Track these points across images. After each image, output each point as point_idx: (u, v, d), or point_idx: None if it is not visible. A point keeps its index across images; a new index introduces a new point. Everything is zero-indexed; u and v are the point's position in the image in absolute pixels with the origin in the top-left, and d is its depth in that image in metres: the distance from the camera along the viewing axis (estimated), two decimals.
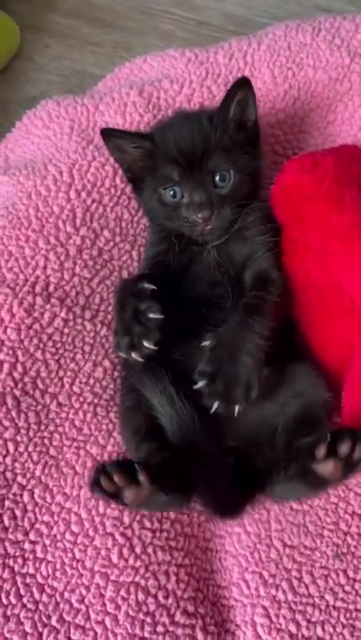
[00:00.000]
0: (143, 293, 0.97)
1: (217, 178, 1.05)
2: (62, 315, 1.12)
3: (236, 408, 0.93)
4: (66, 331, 1.13)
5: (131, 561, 1.01)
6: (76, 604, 0.99)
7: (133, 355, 0.95)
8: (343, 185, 1.08)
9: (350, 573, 1.07)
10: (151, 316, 0.94)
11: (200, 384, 0.94)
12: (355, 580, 1.07)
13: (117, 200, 1.22)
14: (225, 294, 1.06)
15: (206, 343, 0.97)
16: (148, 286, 0.97)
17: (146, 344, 0.94)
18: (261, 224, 1.10)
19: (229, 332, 0.97)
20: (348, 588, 1.07)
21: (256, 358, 0.95)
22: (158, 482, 0.93)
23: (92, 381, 1.13)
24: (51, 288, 1.12)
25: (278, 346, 1.01)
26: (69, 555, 1.01)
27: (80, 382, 1.13)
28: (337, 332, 1.08)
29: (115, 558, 1.01)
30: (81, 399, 1.12)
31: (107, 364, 1.16)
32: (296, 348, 1.12)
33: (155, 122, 1.24)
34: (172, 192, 1.06)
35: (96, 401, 1.12)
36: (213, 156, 1.05)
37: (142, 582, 1.00)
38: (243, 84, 1.08)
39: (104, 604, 0.98)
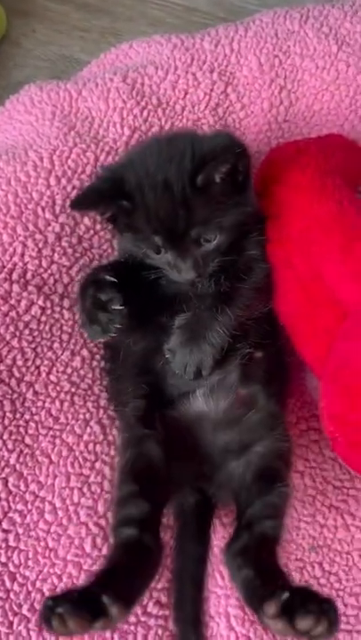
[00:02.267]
0: (104, 284, 0.97)
1: (202, 240, 0.99)
2: (40, 302, 1.11)
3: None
4: (43, 319, 1.12)
5: (104, 550, 1.01)
6: (47, 594, 0.98)
7: (106, 337, 0.98)
8: (326, 174, 1.07)
9: (326, 566, 1.08)
10: (114, 307, 0.95)
11: (167, 356, 1.00)
12: (330, 573, 1.07)
13: None
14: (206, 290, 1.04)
15: (176, 323, 1.00)
16: (109, 278, 0.97)
17: (116, 326, 0.96)
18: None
19: (195, 318, 1.00)
20: (323, 581, 1.07)
21: (213, 345, 0.99)
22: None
23: (69, 370, 1.12)
24: (28, 275, 1.11)
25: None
26: (42, 544, 1.01)
27: (57, 371, 1.11)
28: (319, 325, 1.06)
29: (88, 548, 1.00)
30: (58, 388, 1.10)
31: (85, 353, 1.15)
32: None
33: (126, 153, 1.19)
34: (155, 251, 1.01)
35: (73, 390, 1.11)
36: (196, 227, 0.97)
37: None
38: (233, 153, 0.96)
39: None
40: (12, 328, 1.09)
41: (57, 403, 1.10)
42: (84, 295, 0.99)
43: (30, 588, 0.99)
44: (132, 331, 1.04)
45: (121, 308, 0.96)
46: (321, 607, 0.79)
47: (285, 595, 0.80)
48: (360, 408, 0.88)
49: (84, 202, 1.03)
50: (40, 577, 0.99)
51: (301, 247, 1.05)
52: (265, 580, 0.86)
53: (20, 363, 1.09)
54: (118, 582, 0.84)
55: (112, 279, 0.97)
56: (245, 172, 1.01)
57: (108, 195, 0.99)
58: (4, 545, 1.00)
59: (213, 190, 0.97)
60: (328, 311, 1.04)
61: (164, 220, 0.97)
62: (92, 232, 1.20)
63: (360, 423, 0.89)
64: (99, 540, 1.01)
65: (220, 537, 1.07)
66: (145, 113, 1.26)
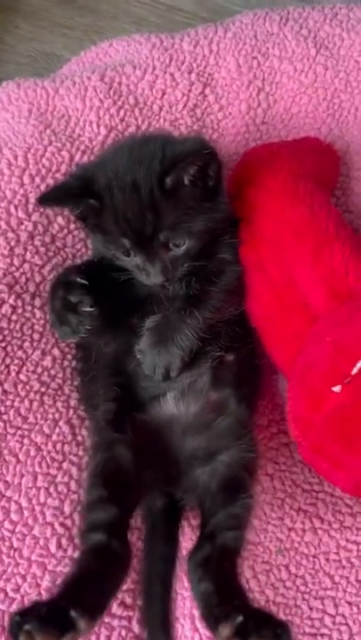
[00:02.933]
0: (74, 286, 0.98)
1: (171, 245, 0.99)
2: (10, 301, 1.11)
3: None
4: (14, 318, 1.11)
5: (69, 551, 1.01)
6: (11, 594, 0.98)
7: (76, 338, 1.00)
8: (299, 178, 1.07)
9: (292, 569, 1.08)
10: (84, 309, 0.96)
11: (138, 357, 1.02)
12: (296, 576, 1.08)
13: None
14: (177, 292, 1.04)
15: (146, 324, 1.01)
16: (80, 280, 0.98)
17: (86, 328, 0.97)
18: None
19: (164, 320, 1.00)
20: (288, 584, 1.07)
21: (181, 347, 1.00)
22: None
23: (39, 370, 1.12)
24: None
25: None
26: (7, 543, 1.00)
27: (27, 370, 1.11)
28: (290, 328, 1.06)
29: (53, 548, 1.00)
30: (27, 387, 1.10)
31: (56, 352, 1.14)
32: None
33: (100, 153, 1.18)
34: (125, 255, 1.00)
35: (43, 390, 1.11)
36: (165, 230, 0.97)
37: None
38: (201, 155, 0.96)
39: (40, 594, 0.98)
40: None
41: (26, 402, 1.09)
42: (54, 296, 1.00)
43: None
44: (103, 332, 1.04)
45: (91, 309, 0.96)
46: (275, 632, 0.79)
47: (240, 618, 0.80)
48: (324, 410, 0.88)
49: (51, 197, 1.03)
50: (4, 577, 0.99)
51: (274, 251, 1.05)
52: (222, 599, 0.86)
53: None
54: (87, 593, 0.83)
55: (82, 281, 0.98)
56: (216, 177, 1.00)
57: (76, 193, 0.99)
58: None
59: (182, 194, 0.97)
60: (299, 315, 1.04)
61: (131, 222, 0.96)
62: (65, 231, 1.19)
63: (323, 426, 0.89)
64: (64, 541, 1.01)
65: (187, 538, 1.06)
66: (122, 112, 1.25)
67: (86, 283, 0.98)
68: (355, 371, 0.85)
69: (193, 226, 0.99)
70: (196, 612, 1.01)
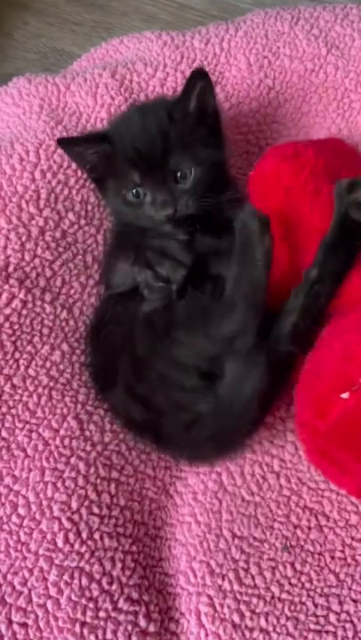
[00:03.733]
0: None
1: (178, 174, 1.05)
2: (21, 296, 1.11)
3: None
4: (24, 312, 1.12)
5: (76, 546, 1.01)
6: (18, 587, 0.98)
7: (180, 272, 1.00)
8: (322, 179, 1.06)
9: (298, 566, 1.08)
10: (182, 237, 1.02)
11: None
12: (301, 573, 1.08)
13: (84, 183, 1.20)
14: None
15: None
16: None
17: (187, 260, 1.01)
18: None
19: None
20: (294, 581, 1.07)
21: None
22: None
23: (48, 364, 1.12)
24: (10, 268, 1.11)
25: None
26: (14, 537, 1.00)
27: (36, 365, 1.11)
28: None
29: (60, 542, 1.00)
30: (36, 382, 1.10)
31: (65, 347, 1.15)
32: None
33: (113, 118, 1.23)
34: (134, 192, 1.07)
35: (52, 384, 1.11)
36: (173, 154, 1.05)
37: (87, 568, 1.00)
38: (201, 76, 1.07)
39: (47, 588, 0.98)
40: None
41: (35, 397, 1.10)
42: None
43: (1, 581, 0.98)
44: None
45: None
46: None
47: None
48: (330, 417, 0.88)
49: (69, 140, 1.14)
50: (11, 570, 0.99)
51: (287, 248, 1.05)
52: None
53: None
54: None
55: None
56: (213, 105, 1.12)
57: (91, 137, 1.13)
58: None
59: (189, 123, 1.07)
60: None
61: (141, 150, 1.05)
62: (76, 227, 1.20)
63: (330, 433, 0.89)
64: (71, 535, 1.01)
65: (193, 535, 1.07)
66: None
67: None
68: None
69: (199, 154, 1.07)
70: (202, 608, 1.02)
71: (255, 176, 1.13)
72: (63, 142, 1.13)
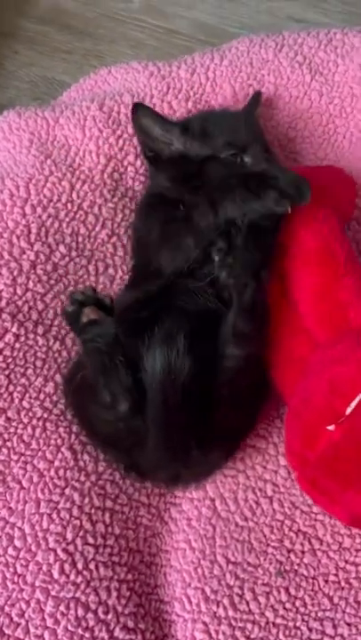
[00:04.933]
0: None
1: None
2: (14, 330, 1.13)
3: None
4: (17, 346, 1.14)
5: (72, 577, 1.02)
6: (15, 618, 1.00)
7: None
8: (318, 206, 1.05)
9: (292, 591, 1.09)
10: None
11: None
12: (296, 598, 1.09)
13: (74, 215, 1.23)
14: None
15: None
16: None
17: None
18: None
19: None
20: (288, 606, 1.08)
21: None
22: None
23: (42, 396, 1.14)
24: (2, 303, 1.13)
25: None
26: (11, 569, 1.02)
27: (30, 397, 1.13)
28: (295, 351, 1.06)
29: (56, 574, 1.02)
30: (30, 414, 1.12)
31: (58, 378, 1.16)
32: None
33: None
34: (233, 157, 1.13)
35: (46, 416, 1.13)
36: (261, 136, 1.20)
37: (83, 598, 1.01)
38: (259, 97, 1.29)
39: (43, 619, 0.99)
40: None
41: (29, 429, 1.11)
42: None
43: None
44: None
45: None
46: None
47: None
48: (318, 448, 0.89)
49: (150, 109, 1.22)
50: (8, 602, 1.01)
51: (291, 276, 1.06)
52: None
53: None
54: None
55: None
56: None
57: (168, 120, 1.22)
58: None
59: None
60: (304, 339, 1.05)
61: (239, 124, 1.19)
62: (67, 259, 1.22)
63: (318, 463, 0.91)
64: (67, 566, 1.02)
65: (188, 561, 1.08)
66: (121, 142, 1.28)
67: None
68: (349, 411, 0.86)
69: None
70: (198, 635, 1.03)
71: None
72: (142, 107, 1.20)
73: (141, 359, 0.94)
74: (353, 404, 0.86)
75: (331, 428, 0.88)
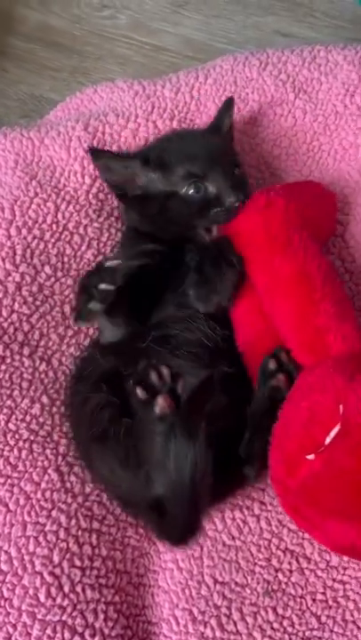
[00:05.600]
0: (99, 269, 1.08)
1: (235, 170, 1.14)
2: None
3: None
4: (3, 367, 1.14)
5: (58, 600, 1.02)
6: None
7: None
8: (293, 229, 1.06)
9: (279, 610, 1.09)
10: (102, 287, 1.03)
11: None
12: (283, 617, 1.09)
13: (59, 236, 1.23)
14: None
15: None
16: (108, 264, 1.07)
17: (104, 286, 1.03)
18: None
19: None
20: (276, 625, 1.09)
21: None
22: None
23: (28, 418, 1.14)
24: None
25: None
26: None
27: (16, 419, 1.13)
28: None
29: (42, 597, 1.02)
30: (16, 436, 1.12)
31: (45, 400, 1.17)
32: None
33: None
34: (194, 187, 1.10)
35: (32, 438, 1.13)
36: (225, 153, 1.16)
37: (69, 621, 1.01)
38: (231, 104, 1.25)
39: None
40: None
41: (15, 451, 1.11)
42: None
43: None
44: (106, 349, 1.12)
45: (109, 288, 1.03)
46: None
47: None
48: (299, 476, 0.89)
49: (105, 152, 1.20)
50: None
51: (264, 300, 1.06)
52: None
53: None
54: None
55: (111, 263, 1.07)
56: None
57: (124, 154, 1.23)
58: None
59: (228, 136, 1.25)
60: None
61: (193, 149, 1.14)
62: (52, 279, 1.22)
63: (299, 491, 0.90)
64: (53, 590, 1.03)
65: (176, 582, 1.09)
66: None
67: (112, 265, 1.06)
68: (328, 440, 0.86)
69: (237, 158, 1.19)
70: None
71: (229, 226, 1.13)
72: (97, 153, 1.17)
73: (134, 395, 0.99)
74: (332, 434, 0.86)
75: (311, 457, 0.87)
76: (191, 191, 1.10)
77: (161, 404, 0.96)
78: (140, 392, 0.98)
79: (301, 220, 1.08)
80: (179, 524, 0.96)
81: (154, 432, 0.96)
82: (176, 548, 1.06)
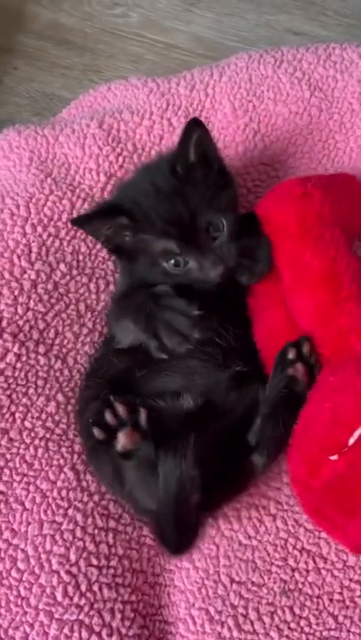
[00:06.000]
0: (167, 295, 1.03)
1: (211, 229, 1.04)
2: (15, 350, 1.13)
3: None
4: (18, 365, 1.13)
5: (75, 599, 1.02)
6: None
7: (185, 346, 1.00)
8: (326, 225, 1.04)
9: (296, 610, 1.09)
10: (194, 312, 1.00)
11: None
12: (300, 617, 1.09)
13: (74, 234, 1.22)
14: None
15: None
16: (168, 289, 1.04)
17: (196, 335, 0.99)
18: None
19: None
20: (293, 625, 1.08)
21: None
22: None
23: (44, 416, 1.14)
24: (4, 323, 1.13)
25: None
26: (14, 592, 1.02)
27: (32, 417, 1.13)
28: None
29: (59, 596, 1.02)
30: (32, 434, 1.12)
31: (60, 397, 1.16)
32: None
33: (120, 185, 1.22)
34: (173, 262, 1.04)
35: (48, 436, 1.13)
36: (199, 212, 1.03)
37: (86, 620, 1.01)
38: (194, 126, 1.04)
39: None
40: None
41: (31, 449, 1.11)
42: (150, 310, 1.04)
43: (2, 636, 1.00)
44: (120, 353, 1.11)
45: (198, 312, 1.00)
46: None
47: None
48: (322, 477, 0.88)
49: (83, 218, 1.10)
50: (12, 625, 1.01)
51: (293, 296, 1.05)
52: None
53: None
54: None
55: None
56: (213, 149, 1.10)
57: (105, 211, 1.09)
58: None
59: (196, 175, 1.05)
60: None
61: (165, 215, 1.03)
62: (68, 277, 1.21)
63: (321, 491, 0.90)
64: (70, 589, 1.02)
65: (192, 581, 1.08)
66: (120, 159, 1.28)
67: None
68: (352, 441, 0.85)
69: (220, 201, 1.05)
70: None
71: (262, 213, 1.12)
72: (78, 222, 1.10)
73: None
74: (356, 435, 0.85)
75: (334, 458, 0.87)
76: (172, 266, 1.05)
77: (122, 441, 0.96)
78: (97, 432, 0.96)
79: (335, 216, 1.06)
80: (172, 538, 0.96)
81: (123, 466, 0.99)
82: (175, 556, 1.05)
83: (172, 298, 1.02)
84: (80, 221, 1.10)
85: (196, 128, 1.05)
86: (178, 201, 1.03)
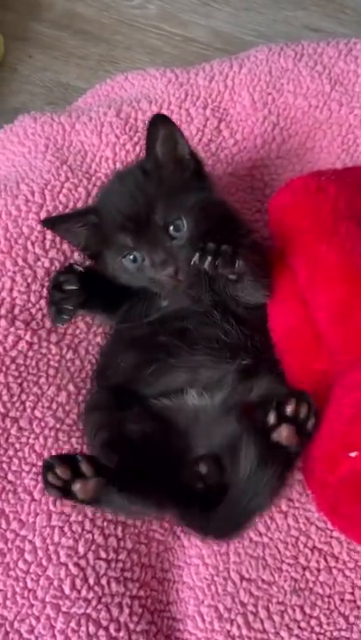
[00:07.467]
0: (67, 270, 1.05)
1: (171, 229, 1.01)
2: (27, 338, 1.11)
3: None
4: (30, 354, 1.12)
5: (83, 592, 1.00)
6: (25, 635, 0.98)
7: (58, 320, 1.03)
8: (341, 219, 1.02)
9: (307, 609, 1.07)
10: (68, 287, 1.02)
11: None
12: (311, 617, 1.07)
13: None
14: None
15: None
16: (76, 267, 1.05)
17: (67, 306, 1.02)
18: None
19: None
20: (303, 625, 1.06)
21: None
22: (106, 475, 0.92)
23: (54, 406, 1.12)
24: (16, 310, 1.11)
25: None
26: (21, 584, 1.00)
27: (42, 407, 1.11)
28: (316, 364, 1.04)
29: (67, 589, 1.00)
30: (42, 424, 1.10)
31: (71, 387, 1.15)
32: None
33: (100, 188, 1.20)
34: (131, 257, 1.03)
35: (58, 426, 1.11)
36: (158, 209, 1.01)
37: (94, 614, 0.99)
38: (160, 122, 1.02)
39: (54, 636, 0.97)
40: None
41: (41, 439, 1.10)
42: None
43: (8, 629, 0.98)
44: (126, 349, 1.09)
45: (73, 287, 1.02)
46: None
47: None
48: (340, 473, 0.87)
49: (55, 218, 1.11)
50: (18, 617, 0.99)
51: (309, 292, 1.03)
52: None
53: (5, 398, 1.09)
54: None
55: (78, 267, 1.05)
56: (184, 146, 1.06)
57: (75, 212, 1.13)
58: None
59: (166, 173, 1.04)
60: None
61: (125, 210, 1.01)
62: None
63: (339, 488, 0.88)
64: (78, 582, 1.00)
65: (201, 578, 1.06)
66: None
67: (81, 269, 1.04)
68: None
69: (185, 201, 1.02)
70: None
71: (274, 208, 1.11)
72: (49, 222, 1.09)
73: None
74: None
75: (353, 454, 0.85)
76: (129, 262, 1.03)
77: (80, 494, 0.92)
78: (51, 492, 0.92)
79: (351, 210, 1.04)
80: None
81: None
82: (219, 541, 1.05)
83: (65, 273, 1.05)
84: (51, 221, 1.09)
85: (160, 124, 1.02)
86: (139, 197, 1.01)
